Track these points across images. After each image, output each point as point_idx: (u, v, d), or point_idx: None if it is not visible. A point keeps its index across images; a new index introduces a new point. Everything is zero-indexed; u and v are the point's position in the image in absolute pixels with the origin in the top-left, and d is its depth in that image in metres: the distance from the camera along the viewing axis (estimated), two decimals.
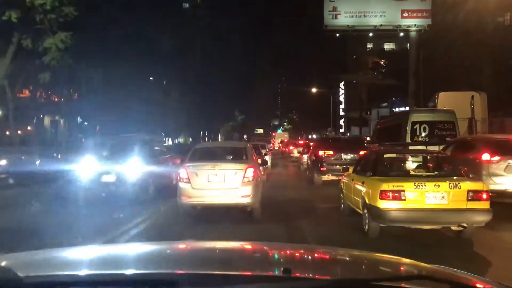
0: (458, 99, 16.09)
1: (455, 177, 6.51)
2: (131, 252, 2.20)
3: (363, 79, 45.53)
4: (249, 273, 1.71)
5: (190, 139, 47.66)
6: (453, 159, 7.93)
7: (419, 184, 6.19)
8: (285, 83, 67.61)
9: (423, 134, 12.29)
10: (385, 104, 41.31)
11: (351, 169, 8.66)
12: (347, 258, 2.09)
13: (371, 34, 34.75)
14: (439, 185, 6.19)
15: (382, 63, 39.81)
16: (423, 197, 6.17)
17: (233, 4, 40.35)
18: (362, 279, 1.47)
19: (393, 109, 39.02)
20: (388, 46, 50.67)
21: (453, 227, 6.53)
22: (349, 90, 56.10)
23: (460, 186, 6.18)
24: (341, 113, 58.96)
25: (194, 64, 35.44)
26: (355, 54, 53.20)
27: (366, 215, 6.63)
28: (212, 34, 36.27)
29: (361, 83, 46.87)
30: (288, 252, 2.12)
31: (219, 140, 46.81)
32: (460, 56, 23.50)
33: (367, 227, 6.62)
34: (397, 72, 31.31)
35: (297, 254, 2.09)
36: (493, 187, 7.93)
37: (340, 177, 12.65)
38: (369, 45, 51.12)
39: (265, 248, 2.27)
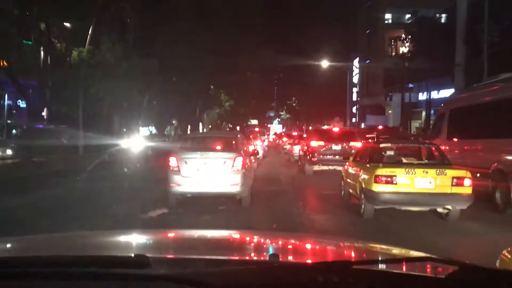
0: None
1: (442, 165, 9.36)
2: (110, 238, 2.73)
3: (381, 58, 47.88)
4: (236, 258, 2.15)
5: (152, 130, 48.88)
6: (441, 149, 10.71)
7: (410, 170, 9.04)
8: (283, 66, 70.62)
9: None
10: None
11: (351, 159, 11.51)
12: (333, 245, 2.58)
13: None
14: (427, 172, 9.03)
15: (405, 37, 40.16)
16: (412, 181, 9.01)
17: None
18: (344, 262, 1.65)
19: (422, 93, 39.28)
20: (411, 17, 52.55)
21: (439, 210, 9.38)
22: (362, 73, 58.93)
23: (446, 173, 9.03)
24: (354, 98, 61.50)
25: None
26: (369, 28, 55.78)
27: (362, 198, 9.47)
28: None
29: (377, 62, 49.47)
30: (275, 239, 2.60)
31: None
32: None
33: (362, 209, 9.45)
34: (427, 48, 29.84)
35: (283, 242, 2.54)
36: None
37: (329, 167, 16.74)
38: (388, 16, 53.36)
39: (253, 235, 2.76)
